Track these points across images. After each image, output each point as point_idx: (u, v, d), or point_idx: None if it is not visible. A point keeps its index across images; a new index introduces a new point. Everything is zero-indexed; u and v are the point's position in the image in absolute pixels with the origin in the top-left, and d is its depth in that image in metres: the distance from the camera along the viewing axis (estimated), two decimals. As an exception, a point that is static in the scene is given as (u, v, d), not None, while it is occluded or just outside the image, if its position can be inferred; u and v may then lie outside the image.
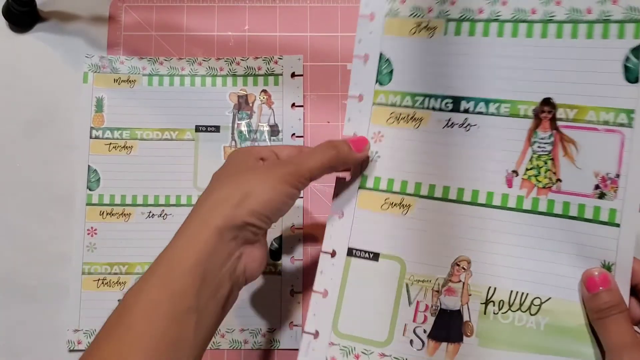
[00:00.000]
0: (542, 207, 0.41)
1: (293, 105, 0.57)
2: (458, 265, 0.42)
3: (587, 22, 0.41)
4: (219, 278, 0.37)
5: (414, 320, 0.43)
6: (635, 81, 0.40)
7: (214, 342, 0.54)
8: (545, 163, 0.41)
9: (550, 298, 0.40)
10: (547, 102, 0.41)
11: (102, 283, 0.55)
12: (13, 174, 0.57)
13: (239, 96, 0.58)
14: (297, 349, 0.44)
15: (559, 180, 0.41)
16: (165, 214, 0.56)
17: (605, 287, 0.38)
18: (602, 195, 0.40)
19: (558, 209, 0.41)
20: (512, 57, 0.42)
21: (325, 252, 0.44)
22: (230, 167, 0.42)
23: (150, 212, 0.56)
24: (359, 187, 0.44)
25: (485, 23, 0.43)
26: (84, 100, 0.57)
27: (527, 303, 0.41)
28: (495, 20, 0.43)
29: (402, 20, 0.45)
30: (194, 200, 0.56)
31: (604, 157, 0.40)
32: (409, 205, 0.43)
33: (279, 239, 0.55)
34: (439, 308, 0.42)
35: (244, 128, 0.57)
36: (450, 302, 0.42)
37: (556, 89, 0.41)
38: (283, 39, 0.59)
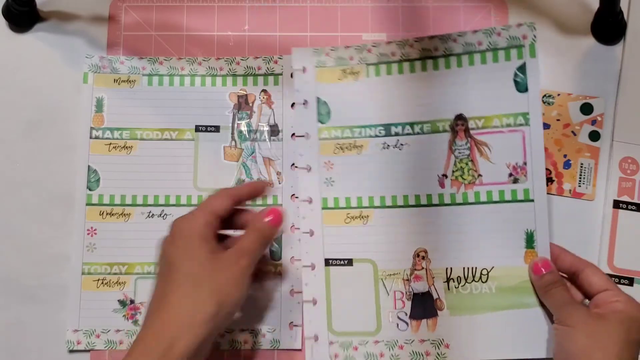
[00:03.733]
0: (471, 198, 0.52)
1: (293, 104, 0.57)
2: (418, 255, 0.52)
3: (480, 51, 0.52)
4: None
5: (395, 307, 0.52)
6: (525, 90, 0.51)
7: (213, 343, 0.53)
8: (467, 164, 0.52)
9: (493, 267, 0.51)
10: (459, 117, 0.52)
11: (102, 283, 0.55)
12: (13, 174, 0.57)
13: (238, 96, 0.58)
14: (297, 349, 0.52)
15: (480, 175, 0.52)
16: (165, 214, 0.56)
17: (547, 270, 0.49)
18: (515, 180, 0.51)
19: (483, 198, 0.52)
20: (426, 87, 0.53)
21: (306, 266, 0.52)
22: (186, 261, 0.43)
23: (150, 212, 0.56)
24: (322, 208, 0.53)
25: (398, 64, 0.53)
26: (84, 101, 0.57)
27: (478, 274, 0.51)
28: (407, 60, 0.53)
29: (330, 70, 0.54)
30: (194, 201, 0.56)
31: (511, 152, 0.51)
32: (368, 215, 0.53)
33: (279, 239, 0.55)
34: (412, 293, 0.52)
35: (244, 128, 0.57)
36: (420, 286, 0.52)
37: (465, 106, 0.52)
38: (283, 39, 0.59)
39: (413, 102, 0.53)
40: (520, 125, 0.51)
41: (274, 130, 0.57)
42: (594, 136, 0.57)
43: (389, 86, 0.53)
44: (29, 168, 0.57)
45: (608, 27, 0.57)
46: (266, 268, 0.54)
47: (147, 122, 0.57)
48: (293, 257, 0.55)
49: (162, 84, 0.57)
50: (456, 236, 0.52)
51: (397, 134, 0.53)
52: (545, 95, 0.57)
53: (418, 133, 0.53)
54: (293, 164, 0.56)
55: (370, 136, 0.53)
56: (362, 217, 0.53)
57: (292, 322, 0.54)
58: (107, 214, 0.56)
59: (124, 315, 0.54)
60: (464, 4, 0.59)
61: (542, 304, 0.50)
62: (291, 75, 0.57)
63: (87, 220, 0.55)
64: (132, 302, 0.55)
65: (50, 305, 0.55)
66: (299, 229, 0.55)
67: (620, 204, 0.55)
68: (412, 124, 0.53)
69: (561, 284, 0.49)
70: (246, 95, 0.58)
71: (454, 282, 0.52)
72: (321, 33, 0.59)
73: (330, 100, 0.54)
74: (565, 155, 0.56)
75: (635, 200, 0.55)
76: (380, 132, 0.53)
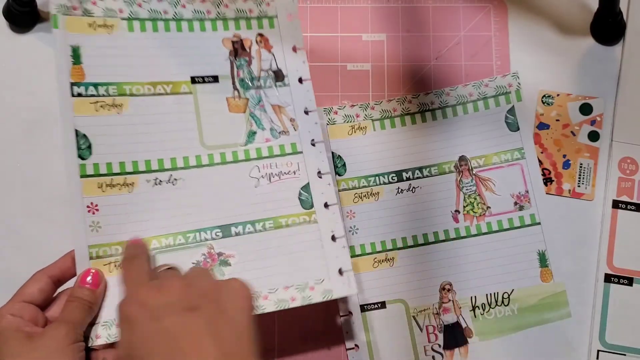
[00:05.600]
0: (484, 229, 0.56)
1: (294, 48, 0.54)
2: (444, 289, 0.56)
3: (472, 101, 0.58)
4: None
5: (429, 341, 0.55)
6: (517, 129, 0.57)
7: (257, 307, 0.48)
8: (475, 199, 0.57)
9: (513, 290, 0.55)
10: (462, 158, 0.57)
11: (116, 266, 0.47)
12: (13, 173, 0.56)
13: (233, 42, 0.53)
14: (353, 295, 0.54)
15: (488, 207, 0.57)
16: (174, 179, 0.49)
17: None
18: (521, 208, 0.56)
19: (495, 227, 0.56)
20: (428, 135, 0.58)
21: (344, 315, 0.55)
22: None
23: (156, 178, 0.49)
24: (352, 257, 0.55)
25: (400, 118, 0.58)
26: (59, 49, 0.49)
27: (500, 298, 0.55)
28: (407, 114, 0.58)
29: (339, 126, 0.58)
30: (204, 161, 0.50)
31: (513, 183, 0.57)
32: (393, 257, 0.56)
33: (307, 188, 0.51)
34: (443, 325, 0.55)
35: (245, 75, 0.53)
36: (449, 318, 0.55)
37: (466, 148, 0.57)
38: (283, 39, 0.59)
39: (418, 149, 0.58)
40: (517, 159, 0.57)
41: (279, 76, 0.53)
42: (593, 136, 0.57)
43: (394, 137, 0.58)
44: (29, 168, 0.56)
45: (607, 27, 0.57)
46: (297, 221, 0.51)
47: (135, 75, 0.50)
48: (326, 202, 0.51)
49: (145, 29, 0.51)
50: (476, 265, 0.56)
51: (408, 179, 0.57)
52: (544, 96, 0.57)
53: (427, 176, 0.57)
54: (306, 109, 0.53)
55: (385, 183, 0.57)
56: (388, 259, 0.56)
57: (341, 269, 0.50)
58: (107, 186, 0.48)
59: None
60: (464, 5, 0.59)
61: (559, 318, 0.55)
62: (288, 18, 0.54)
63: (84, 195, 0.47)
64: None
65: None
66: (328, 174, 0.53)
67: (620, 204, 0.55)
68: (420, 168, 0.57)
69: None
70: (241, 40, 0.53)
71: (479, 309, 0.55)
72: (321, 33, 0.59)
73: (344, 153, 0.58)
74: (564, 156, 0.56)
75: (635, 200, 0.55)
76: (393, 179, 0.57)
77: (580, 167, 0.56)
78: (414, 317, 0.55)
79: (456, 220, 0.56)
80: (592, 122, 0.57)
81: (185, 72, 0.51)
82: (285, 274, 0.49)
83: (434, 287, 0.56)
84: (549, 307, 0.55)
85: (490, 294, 0.55)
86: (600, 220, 0.56)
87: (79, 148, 0.48)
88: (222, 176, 0.50)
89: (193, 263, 0.49)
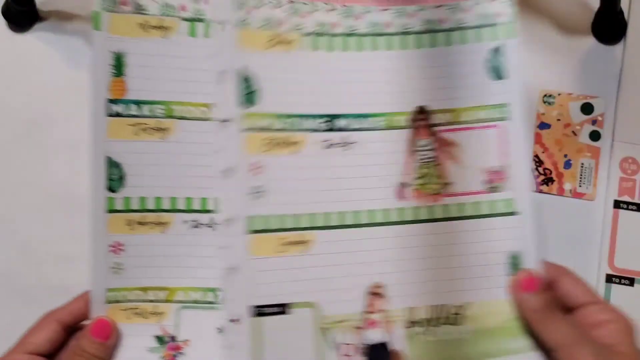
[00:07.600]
0: (439, 213, 0.41)
1: None
2: (373, 293, 0.40)
3: (444, 30, 0.42)
4: None
5: None
6: (503, 78, 0.41)
7: None
8: (432, 170, 0.41)
9: (469, 303, 0.40)
10: (422, 110, 0.41)
11: (134, 313, 0.42)
12: (13, 174, 0.56)
13: None
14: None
15: (448, 184, 0.41)
16: (215, 223, 0.42)
17: (541, 288, 0.38)
18: (493, 189, 0.41)
19: (455, 212, 0.41)
20: (379, 71, 0.42)
21: (232, 320, 0.40)
22: None
23: (195, 220, 0.42)
24: (248, 231, 0.40)
25: (343, 37, 0.42)
26: (97, 57, 0.40)
27: (449, 314, 0.40)
28: (352, 34, 0.42)
29: (254, 32, 0.41)
30: None
31: (486, 153, 0.41)
32: (310, 240, 0.41)
33: None
34: (365, 345, 0.40)
35: None
36: (374, 335, 0.40)
37: (428, 97, 0.41)
38: (283, 38, 0.58)
39: (362, 88, 0.42)
40: (498, 119, 0.41)
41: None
42: (595, 136, 0.56)
43: (331, 66, 0.41)
44: (29, 168, 0.56)
45: (608, 26, 0.57)
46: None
47: (190, 92, 0.41)
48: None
49: (209, 35, 0.41)
50: (421, 263, 0.40)
51: (342, 129, 0.41)
52: (545, 95, 0.57)
53: (369, 128, 0.41)
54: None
55: (310, 129, 0.41)
56: (303, 242, 0.40)
57: None
58: (137, 224, 0.41)
59: (162, 357, 0.41)
60: (465, 4, 0.59)
61: (523, 350, 0.39)
62: None
63: (109, 232, 0.41)
64: (173, 339, 0.42)
65: (50, 307, 0.51)
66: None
67: (621, 204, 0.55)
68: (363, 116, 0.41)
69: (560, 310, 0.38)
70: None
71: (418, 325, 0.40)
72: (321, 33, 0.59)
73: (257, 75, 0.41)
74: (565, 155, 0.56)
75: (636, 200, 0.55)
76: (321, 126, 0.41)
77: (582, 167, 0.56)
78: (322, 330, 0.39)
79: (401, 196, 0.41)
80: (594, 122, 0.57)
81: None
82: None
83: (360, 289, 0.40)
84: (519, 332, 0.39)
85: (435, 306, 0.40)
86: (601, 220, 0.55)
87: (109, 179, 0.41)
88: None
89: (218, 329, 0.41)
